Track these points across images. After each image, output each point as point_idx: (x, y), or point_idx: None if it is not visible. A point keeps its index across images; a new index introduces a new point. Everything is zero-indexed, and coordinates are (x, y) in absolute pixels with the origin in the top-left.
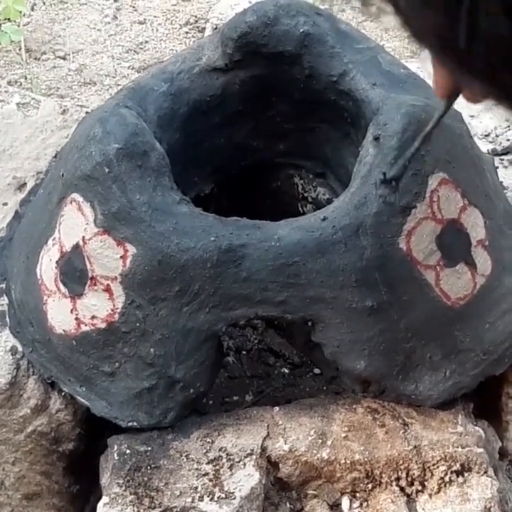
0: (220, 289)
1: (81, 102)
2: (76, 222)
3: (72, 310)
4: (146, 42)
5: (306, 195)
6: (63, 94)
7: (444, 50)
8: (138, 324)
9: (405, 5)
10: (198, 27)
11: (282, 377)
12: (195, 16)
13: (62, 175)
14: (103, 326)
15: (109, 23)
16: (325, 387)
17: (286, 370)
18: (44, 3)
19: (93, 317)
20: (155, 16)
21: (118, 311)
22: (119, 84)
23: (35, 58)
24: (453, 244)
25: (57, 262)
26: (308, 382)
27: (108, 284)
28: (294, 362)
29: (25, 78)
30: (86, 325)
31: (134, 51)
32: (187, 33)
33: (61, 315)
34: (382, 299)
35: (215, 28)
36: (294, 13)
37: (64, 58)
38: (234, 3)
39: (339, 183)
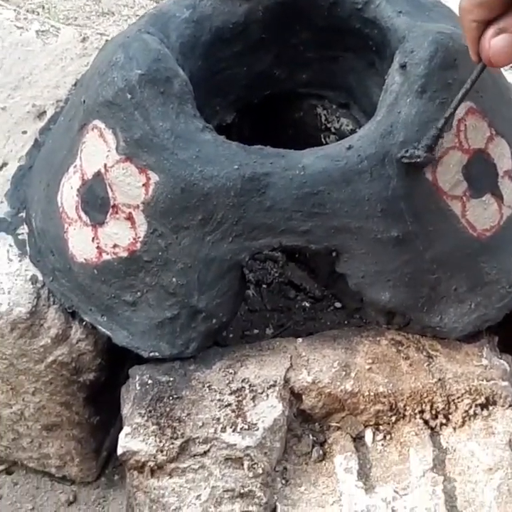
0: (243, 218)
1: (100, 31)
2: (98, 150)
3: (93, 238)
4: None
5: (329, 125)
6: (81, 24)
7: None
8: (160, 253)
9: None
10: None
11: (303, 311)
12: None
13: (84, 101)
14: (125, 254)
15: None
16: (346, 321)
17: (307, 304)
18: None
19: (115, 246)
20: None
21: (140, 239)
22: (137, 15)
23: None
24: (480, 174)
25: (78, 190)
26: (329, 316)
27: (130, 212)
28: (314, 296)
29: (43, 8)
30: (107, 254)
31: None
32: None
33: (82, 243)
34: (408, 230)
35: None
36: None
37: None
38: None
39: (363, 113)
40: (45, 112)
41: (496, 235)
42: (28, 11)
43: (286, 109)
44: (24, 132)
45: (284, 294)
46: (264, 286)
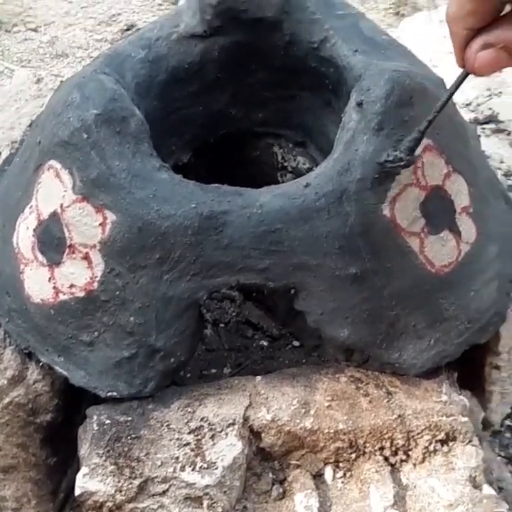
0: (201, 257)
1: (54, 73)
2: (54, 190)
3: (49, 279)
4: (119, 14)
5: (285, 164)
6: (35, 66)
7: None
8: (117, 292)
9: None
10: None
11: (261, 350)
12: None
13: (39, 142)
14: (82, 294)
15: None
16: (304, 360)
17: (265, 343)
18: None
19: (71, 286)
20: None
21: (97, 279)
22: (91, 57)
23: (6, 30)
24: (437, 211)
25: (34, 230)
26: (287, 355)
27: (87, 252)
28: (272, 334)
29: None
30: (64, 294)
31: (107, 23)
32: (160, 4)
33: (38, 284)
34: (366, 267)
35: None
36: None
37: (35, 30)
38: None
39: (319, 152)
40: None
41: (454, 271)
42: None
43: (243, 148)
44: None
45: (241, 333)
46: (221, 325)
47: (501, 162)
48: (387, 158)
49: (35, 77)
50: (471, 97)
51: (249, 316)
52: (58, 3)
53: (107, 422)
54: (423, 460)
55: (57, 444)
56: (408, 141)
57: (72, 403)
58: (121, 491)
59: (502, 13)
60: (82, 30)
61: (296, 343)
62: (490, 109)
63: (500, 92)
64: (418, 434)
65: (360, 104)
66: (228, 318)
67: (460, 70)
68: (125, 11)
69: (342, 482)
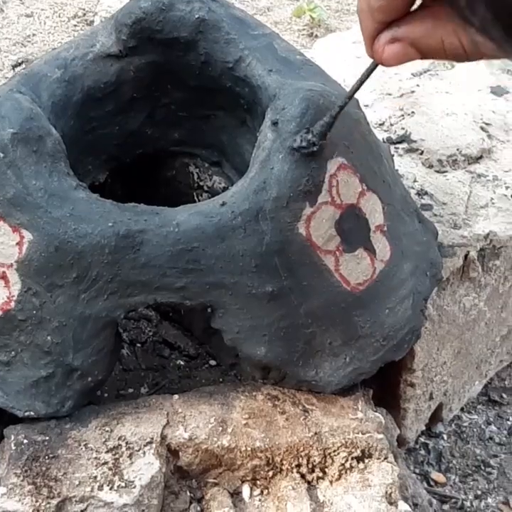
0: (118, 276)
1: None
2: None
3: None
4: (34, 35)
5: (201, 184)
6: None
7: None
8: (35, 312)
9: None
10: (86, 20)
11: (178, 370)
12: (83, 9)
13: None
14: None
15: None
16: (221, 379)
17: (182, 362)
18: None
19: None
20: (42, 9)
21: (14, 298)
22: (6, 77)
23: None
24: (352, 229)
25: None
26: (204, 374)
27: (4, 272)
28: (189, 354)
29: None
30: None
31: (22, 44)
32: (75, 25)
33: None
34: (282, 285)
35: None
36: None
37: None
38: None
39: (235, 171)
40: None
41: (370, 289)
42: None
43: (159, 167)
44: None
45: (158, 353)
46: (138, 345)
47: (414, 181)
48: (300, 143)
49: None
50: (384, 116)
51: (166, 336)
52: None
53: (25, 441)
54: (339, 477)
55: None
56: (320, 125)
57: None
58: (39, 511)
59: (412, 9)
60: None
61: (212, 363)
62: (403, 128)
63: (413, 112)
64: (334, 451)
65: (275, 123)
66: (145, 338)
67: (371, 88)
68: (40, 31)
69: (259, 500)
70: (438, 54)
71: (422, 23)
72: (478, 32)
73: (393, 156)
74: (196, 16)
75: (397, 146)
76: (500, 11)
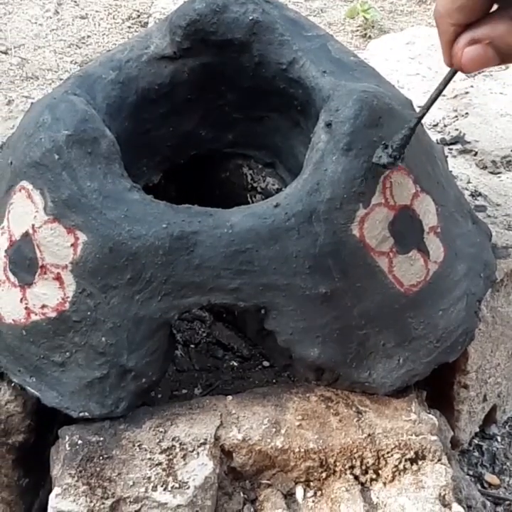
0: (172, 277)
1: (25, 94)
2: (25, 210)
3: (21, 299)
4: (89, 36)
5: (255, 185)
6: (6, 88)
7: None
8: (89, 313)
9: None
10: (140, 21)
11: (231, 370)
12: (138, 11)
13: (11, 163)
14: (53, 315)
15: (51, 17)
16: (274, 380)
17: (235, 363)
18: None
19: (43, 306)
20: (97, 11)
21: (69, 299)
22: (61, 79)
23: None
24: (406, 230)
25: (6, 251)
26: (258, 375)
27: (58, 273)
28: (242, 355)
29: None
30: (36, 314)
31: (76, 46)
32: (129, 27)
33: (10, 304)
34: (336, 286)
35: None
36: (242, 1)
37: (5, 53)
38: None
39: (288, 172)
40: None
41: (423, 291)
42: None
43: (212, 169)
44: None
45: (212, 354)
46: (192, 346)
47: (468, 182)
48: (379, 160)
49: (6, 99)
50: (438, 117)
51: (220, 337)
52: (28, 26)
53: (79, 442)
54: (393, 479)
55: (29, 465)
56: (399, 138)
57: (44, 424)
58: (93, 511)
59: (491, 10)
60: (52, 53)
61: (266, 363)
62: (457, 129)
63: (467, 113)
64: (388, 452)
65: (329, 125)
66: (199, 339)
67: (424, 89)
68: (95, 33)
69: (313, 501)
70: None
71: (501, 22)
72: None
73: (447, 157)
74: (250, 18)
75: (450, 147)
76: None
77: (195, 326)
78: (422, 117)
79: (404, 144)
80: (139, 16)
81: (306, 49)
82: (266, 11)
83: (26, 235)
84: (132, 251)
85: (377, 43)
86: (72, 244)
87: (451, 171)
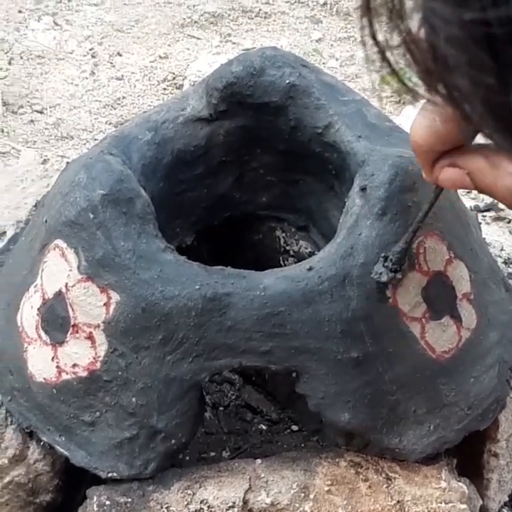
0: (204, 338)
1: (60, 154)
2: (59, 269)
3: (53, 358)
4: (124, 97)
5: (287, 248)
6: (41, 147)
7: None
8: (120, 373)
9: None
10: (175, 84)
11: (260, 434)
12: (173, 73)
13: (46, 221)
14: (84, 374)
15: (87, 78)
16: (303, 445)
17: (264, 427)
18: (21, 58)
19: (74, 365)
20: (132, 72)
21: (100, 359)
22: (96, 139)
23: (13, 112)
24: (439, 296)
25: (38, 309)
26: (286, 439)
27: (90, 332)
28: (271, 418)
29: (2, 131)
30: (67, 373)
31: (112, 106)
32: (165, 89)
33: (42, 363)
34: (368, 351)
35: (193, 85)
36: (279, 64)
37: (41, 112)
38: (212, 61)
39: (321, 236)
40: (4, 232)
41: (455, 357)
42: None
43: (246, 231)
44: None
45: (240, 417)
46: (221, 408)
47: (502, 250)
48: (379, 277)
49: (41, 158)
50: None
51: (249, 400)
52: (64, 86)
53: (107, 502)
54: None
55: None
56: (396, 252)
57: (73, 483)
58: None
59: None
60: (88, 113)
61: (295, 428)
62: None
63: None
64: None
65: (363, 189)
66: (228, 402)
67: None
68: (130, 94)
69: None
70: (491, 193)
71: (479, 158)
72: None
73: (480, 224)
74: (287, 82)
75: (484, 214)
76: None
77: (225, 389)
78: (416, 231)
79: (402, 257)
80: (174, 78)
81: (342, 113)
82: (303, 74)
83: (59, 293)
84: (165, 312)
85: (412, 109)
86: (104, 304)
87: (484, 238)
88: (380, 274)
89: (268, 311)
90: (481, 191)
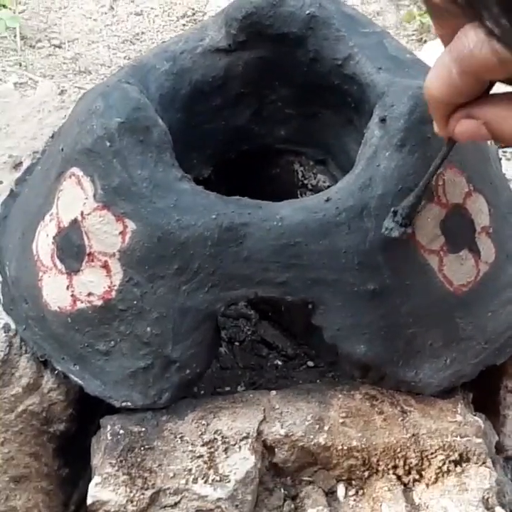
0: (220, 268)
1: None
2: (75, 197)
3: (68, 286)
4: (143, 33)
5: (305, 182)
6: (58, 80)
7: None
8: (135, 302)
9: None
10: (195, 19)
11: (275, 369)
12: (193, 9)
13: (62, 149)
14: (99, 303)
15: (106, 13)
16: (318, 380)
17: (279, 362)
18: None
19: (89, 294)
20: (152, 8)
21: (115, 288)
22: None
23: (31, 46)
24: (457, 229)
25: (54, 238)
26: (302, 375)
27: (106, 261)
28: (287, 354)
29: (20, 65)
30: (82, 302)
31: (130, 42)
32: (184, 25)
33: (56, 291)
34: (385, 283)
35: None
36: None
37: (59, 46)
38: None
39: (340, 170)
40: (21, 162)
41: (473, 291)
42: (4, 69)
43: (263, 165)
44: (0, 182)
45: (256, 352)
46: (236, 343)
47: None
48: (390, 233)
49: (59, 89)
50: None
51: (265, 335)
52: (83, 21)
53: (121, 432)
54: (436, 480)
55: (69, 455)
56: (407, 207)
57: (86, 413)
58: (132, 502)
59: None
60: (106, 48)
61: (310, 363)
62: None
63: None
64: (432, 453)
65: (383, 120)
66: (243, 337)
67: None
68: (149, 30)
69: (354, 500)
70: (510, 140)
71: (498, 106)
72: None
73: (500, 159)
74: (307, 12)
75: (504, 149)
76: None
77: (240, 324)
78: (427, 185)
79: (412, 211)
80: (193, 13)
81: (363, 45)
82: (323, 5)
83: (75, 221)
84: (181, 241)
85: (433, 45)
86: (120, 233)
87: (504, 174)
88: (391, 229)
89: (285, 242)
90: (498, 139)
